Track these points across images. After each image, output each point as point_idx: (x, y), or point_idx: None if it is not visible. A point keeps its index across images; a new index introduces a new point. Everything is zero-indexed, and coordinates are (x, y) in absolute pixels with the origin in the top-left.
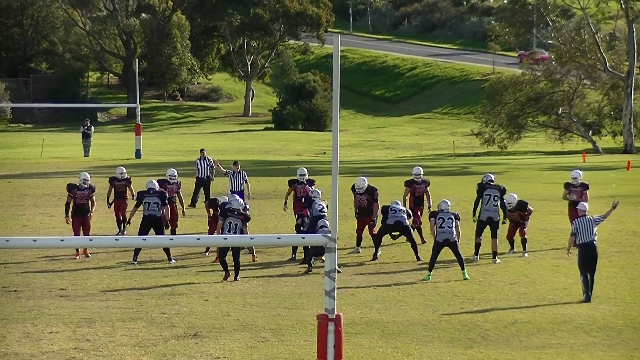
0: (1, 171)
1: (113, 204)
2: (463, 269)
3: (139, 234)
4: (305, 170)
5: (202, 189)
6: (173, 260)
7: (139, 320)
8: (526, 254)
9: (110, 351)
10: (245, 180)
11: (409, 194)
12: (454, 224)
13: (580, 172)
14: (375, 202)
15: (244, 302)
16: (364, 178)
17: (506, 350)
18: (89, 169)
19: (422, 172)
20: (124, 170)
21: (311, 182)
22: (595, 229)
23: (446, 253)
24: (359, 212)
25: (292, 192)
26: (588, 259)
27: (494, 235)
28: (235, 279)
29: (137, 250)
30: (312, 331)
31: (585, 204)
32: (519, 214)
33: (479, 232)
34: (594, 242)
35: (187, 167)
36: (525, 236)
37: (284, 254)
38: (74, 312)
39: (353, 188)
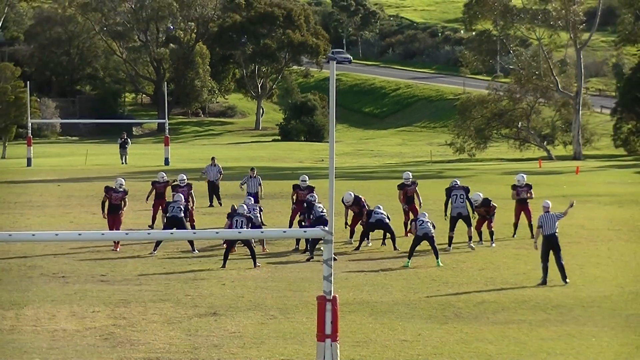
0: (52, 176)
1: (153, 203)
2: (437, 258)
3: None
4: (307, 177)
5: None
6: (196, 251)
7: (168, 301)
8: (493, 244)
9: (143, 327)
10: (259, 184)
11: (402, 195)
12: (431, 225)
13: (524, 175)
14: (363, 207)
15: (256, 286)
16: (350, 192)
17: (476, 326)
18: (125, 174)
19: (410, 176)
20: (164, 175)
21: (311, 189)
22: (557, 223)
23: (423, 245)
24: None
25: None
26: (551, 247)
27: (468, 225)
28: (255, 265)
29: (157, 243)
30: (313, 310)
31: (548, 201)
32: (484, 210)
33: (452, 227)
34: (556, 234)
35: None
36: (492, 229)
37: (289, 245)
38: (113, 294)
39: (342, 201)
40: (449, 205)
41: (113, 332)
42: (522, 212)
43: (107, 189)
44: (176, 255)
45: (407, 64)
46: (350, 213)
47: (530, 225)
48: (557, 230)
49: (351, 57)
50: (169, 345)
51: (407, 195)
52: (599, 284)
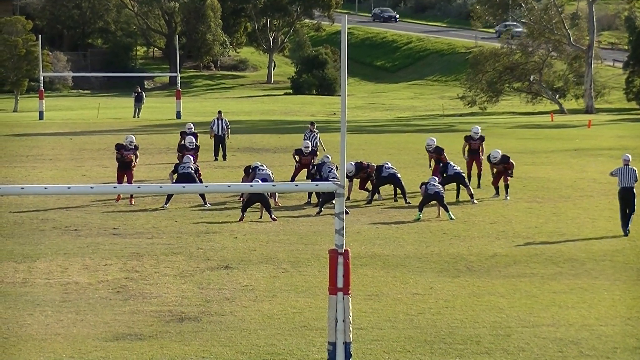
0: (64, 129)
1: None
2: (448, 212)
3: None
4: (310, 144)
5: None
6: (208, 204)
7: (180, 254)
8: (508, 197)
9: (156, 280)
10: (318, 138)
11: (465, 147)
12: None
13: (479, 127)
14: (368, 168)
15: (268, 239)
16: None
17: (487, 279)
18: (137, 127)
19: (479, 131)
20: (192, 126)
21: (314, 153)
22: (636, 177)
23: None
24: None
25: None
26: (626, 199)
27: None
28: (272, 218)
29: (169, 197)
30: (325, 263)
31: (629, 155)
32: (503, 166)
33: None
34: (633, 188)
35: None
36: (508, 182)
37: (301, 198)
38: (125, 248)
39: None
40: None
41: (125, 285)
42: (474, 163)
43: (118, 147)
44: (188, 209)
45: (419, 18)
46: (356, 181)
47: (480, 175)
48: (634, 184)
49: (397, 15)
50: (181, 298)
51: (472, 148)
52: (611, 237)
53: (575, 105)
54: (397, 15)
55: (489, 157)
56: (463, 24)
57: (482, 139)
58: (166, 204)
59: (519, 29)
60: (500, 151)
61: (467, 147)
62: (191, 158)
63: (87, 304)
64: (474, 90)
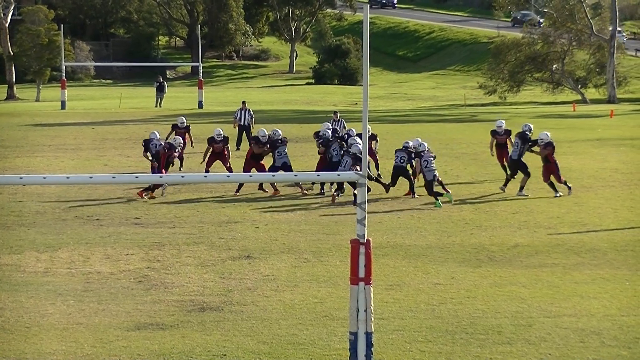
0: (86, 119)
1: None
2: (448, 192)
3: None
4: (329, 125)
5: (244, 134)
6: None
7: (201, 244)
8: (558, 194)
9: (177, 270)
10: (344, 127)
11: (494, 141)
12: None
13: (503, 121)
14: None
15: (289, 229)
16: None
17: (509, 269)
18: (159, 117)
19: (504, 125)
20: (184, 120)
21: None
22: None
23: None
24: None
25: None
26: None
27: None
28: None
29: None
30: (346, 253)
31: None
32: (551, 150)
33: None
34: None
35: None
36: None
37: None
38: (147, 237)
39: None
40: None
41: (147, 274)
42: (504, 157)
43: (146, 143)
44: (209, 198)
45: (441, 7)
46: None
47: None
48: None
49: (396, 1)
50: (203, 288)
51: (499, 142)
52: (633, 227)
53: (597, 95)
54: (396, 1)
55: (535, 141)
56: (485, 13)
57: (508, 132)
58: (237, 191)
59: (532, 16)
60: (549, 134)
61: (494, 142)
62: (180, 139)
63: (109, 294)
64: (495, 80)
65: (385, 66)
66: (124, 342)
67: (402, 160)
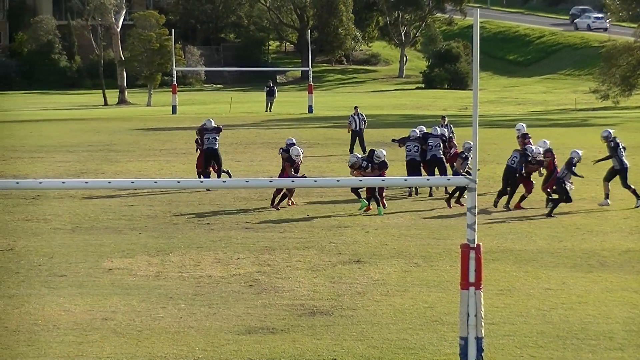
0: (197, 124)
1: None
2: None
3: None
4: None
5: (357, 139)
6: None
7: (311, 248)
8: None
9: (288, 274)
10: (452, 132)
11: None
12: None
13: (524, 125)
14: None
15: (399, 233)
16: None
17: (620, 275)
18: (269, 122)
19: (523, 128)
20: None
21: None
22: None
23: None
24: None
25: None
26: None
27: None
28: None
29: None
30: (456, 258)
31: None
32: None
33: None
34: None
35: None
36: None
37: (433, 193)
38: (257, 242)
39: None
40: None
41: (258, 279)
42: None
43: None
44: (319, 203)
45: (552, 11)
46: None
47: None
48: None
49: None
50: (313, 292)
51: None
52: None
53: None
54: None
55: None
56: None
57: (524, 136)
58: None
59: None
60: (547, 141)
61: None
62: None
63: (219, 298)
64: (606, 85)
65: (496, 70)
66: (235, 346)
67: (513, 161)
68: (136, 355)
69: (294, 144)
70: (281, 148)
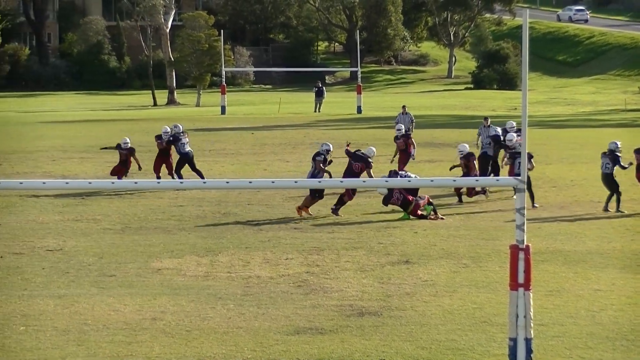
0: (246, 124)
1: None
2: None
3: None
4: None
5: None
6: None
7: (360, 249)
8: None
9: (336, 275)
10: (496, 130)
11: None
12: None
13: (514, 123)
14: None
15: (448, 234)
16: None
17: None
18: (318, 122)
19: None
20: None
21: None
22: None
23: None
24: None
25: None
26: None
27: None
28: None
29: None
30: (505, 259)
31: None
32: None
33: None
34: None
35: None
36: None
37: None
38: (306, 242)
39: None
40: None
41: (306, 279)
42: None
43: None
44: (368, 203)
45: (602, 12)
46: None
47: None
48: None
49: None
50: (362, 293)
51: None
52: None
53: None
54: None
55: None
56: None
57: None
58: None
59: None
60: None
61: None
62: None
63: (268, 298)
64: None
65: (545, 71)
66: (283, 346)
67: (607, 168)
68: (185, 355)
69: (329, 150)
70: (318, 152)
